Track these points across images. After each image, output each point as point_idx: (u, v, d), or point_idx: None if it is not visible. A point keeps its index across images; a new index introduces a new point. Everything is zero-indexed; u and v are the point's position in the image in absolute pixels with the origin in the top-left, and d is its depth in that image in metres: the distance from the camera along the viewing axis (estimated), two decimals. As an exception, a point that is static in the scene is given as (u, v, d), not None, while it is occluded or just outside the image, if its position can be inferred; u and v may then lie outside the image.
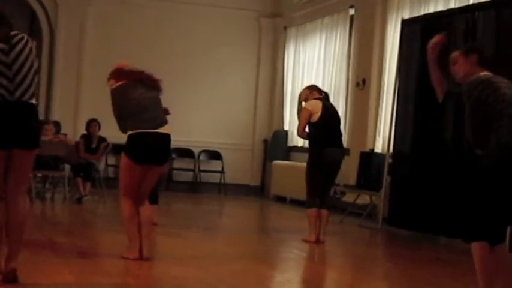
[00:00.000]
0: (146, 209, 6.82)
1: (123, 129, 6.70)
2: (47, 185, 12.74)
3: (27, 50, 5.14)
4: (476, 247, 5.12)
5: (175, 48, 15.46)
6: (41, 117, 14.42)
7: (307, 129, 8.76)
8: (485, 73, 5.31)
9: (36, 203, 11.52)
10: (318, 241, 8.68)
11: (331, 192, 13.03)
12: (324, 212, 8.73)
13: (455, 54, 5.49)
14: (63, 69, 15.15)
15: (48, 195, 12.43)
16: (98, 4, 15.27)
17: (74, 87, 14.93)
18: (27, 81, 5.07)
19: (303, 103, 8.93)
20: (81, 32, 15.24)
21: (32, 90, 5.11)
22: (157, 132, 6.64)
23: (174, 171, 15.67)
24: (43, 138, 11.71)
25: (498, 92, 5.16)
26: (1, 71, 4.97)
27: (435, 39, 5.53)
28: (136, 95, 6.65)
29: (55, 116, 14.21)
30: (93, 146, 12.47)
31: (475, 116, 5.19)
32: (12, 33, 5.15)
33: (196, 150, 15.84)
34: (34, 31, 15.80)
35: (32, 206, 11.15)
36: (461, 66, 5.42)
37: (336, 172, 9.15)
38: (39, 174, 12.18)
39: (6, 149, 5.04)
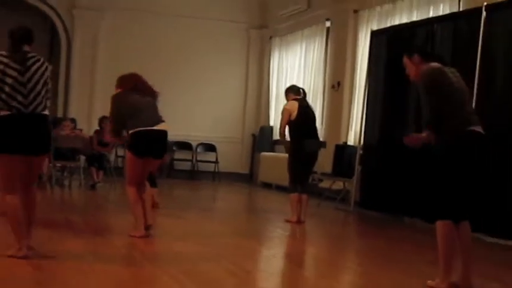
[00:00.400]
0: (145, 190, 6.89)
1: (115, 131, 6.85)
2: (65, 174, 12.70)
3: (41, 70, 5.23)
4: (439, 225, 4.98)
5: (177, 55, 15.48)
6: (60, 115, 14.37)
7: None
8: (434, 63, 5.15)
9: (56, 189, 11.59)
10: (299, 221, 8.62)
11: (310, 180, 13.07)
12: (304, 196, 8.71)
13: (404, 60, 5.40)
14: (79, 74, 15.18)
15: (66, 182, 12.42)
16: (109, 18, 15.23)
17: (88, 89, 14.93)
18: (40, 97, 5.18)
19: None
20: (94, 42, 15.25)
21: (44, 103, 5.23)
22: (154, 129, 6.63)
23: (175, 161, 15.66)
24: (61, 132, 11.71)
25: (448, 81, 5.03)
26: (17, 88, 5.06)
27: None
28: (131, 100, 6.65)
29: (72, 113, 14.18)
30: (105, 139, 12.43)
31: (431, 100, 4.99)
32: (29, 55, 5.23)
33: (194, 143, 15.85)
34: (54, 41, 15.79)
35: (52, 191, 11.20)
36: (410, 68, 5.36)
37: (314, 161, 9.13)
38: (59, 164, 12.12)
39: (22, 155, 5.15)
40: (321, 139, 12.62)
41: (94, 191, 11.45)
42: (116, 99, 6.79)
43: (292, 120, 8.64)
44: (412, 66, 5.31)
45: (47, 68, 5.32)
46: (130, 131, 6.62)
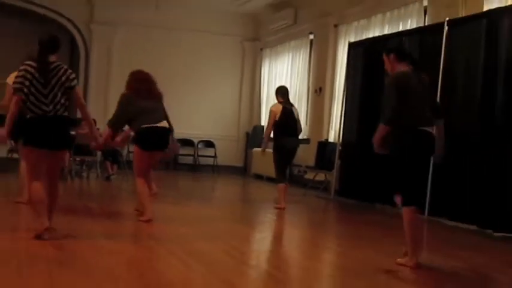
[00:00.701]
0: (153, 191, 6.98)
1: (113, 124, 6.74)
2: (83, 167, 12.64)
3: (61, 81, 5.29)
4: (405, 211, 5.03)
5: (181, 64, 15.42)
6: (79, 116, 14.33)
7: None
8: (403, 69, 5.22)
9: (75, 180, 11.55)
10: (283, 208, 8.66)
11: (296, 172, 13.11)
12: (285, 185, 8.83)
13: (383, 56, 5.43)
14: (96, 81, 15.17)
15: (84, 174, 12.40)
16: (121, 33, 15.23)
17: (104, 93, 14.83)
18: (59, 104, 5.27)
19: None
20: (109, 53, 15.25)
21: (63, 108, 5.32)
22: (157, 126, 6.62)
23: (179, 157, 15.58)
24: (81, 131, 11.63)
25: (409, 87, 5.07)
26: (41, 100, 5.21)
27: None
28: (137, 105, 6.59)
29: (91, 115, 14.02)
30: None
31: (392, 100, 5.05)
32: (52, 66, 5.31)
33: (195, 140, 15.80)
34: (74, 52, 15.77)
35: (72, 182, 11.19)
36: (387, 65, 5.39)
37: (293, 156, 9.09)
38: (78, 159, 12.10)
39: (45, 149, 5.26)
40: (305, 137, 12.79)
41: (109, 182, 11.43)
42: (123, 100, 6.75)
43: (277, 120, 8.66)
44: (389, 64, 5.35)
45: (68, 77, 5.37)
46: (136, 129, 6.63)
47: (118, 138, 7.25)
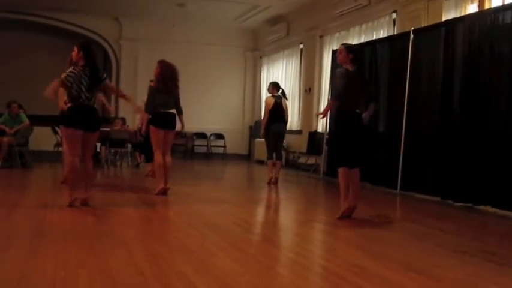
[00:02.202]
0: (169, 158, 7.18)
1: (147, 108, 7.18)
2: (117, 157, 12.66)
3: (97, 83, 5.76)
4: (340, 171, 5.64)
5: (194, 71, 15.40)
6: (112, 115, 14.36)
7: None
8: (348, 68, 5.63)
9: (111, 168, 11.56)
10: (270, 182, 9.03)
11: (291, 157, 13.10)
12: (278, 162, 9.13)
13: (341, 47, 5.81)
14: (125, 86, 15.03)
15: (117, 163, 12.40)
16: (145, 47, 15.25)
17: (132, 96, 14.85)
18: (93, 100, 5.74)
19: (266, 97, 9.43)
20: (135, 64, 15.29)
21: (95, 102, 5.79)
22: (167, 112, 7.10)
23: (195, 147, 15.64)
24: (114, 127, 11.67)
25: (347, 81, 5.53)
26: (83, 94, 5.64)
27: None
28: (157, 98, 7.09)
29: (121, 114, 14.10)
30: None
31: (336, 89, 5.84)
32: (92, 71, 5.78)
33: (208, 133, 15.81)
34: (106, 64, 15.77)
35: (108, 169, 11.21)
36: (343, 57, 5.69)
37: (282, 138, 9.32)
38: (112, 150, 12.12)
39: (82, 130, 5.65)
40: (298, 128, 12.78)
41: (137, 169, 11.44)
42: (151, 91, 7.23)
43: (269, 110, 8.98)
44: (344, 58, 5.66)
45: (103, 80, 5.84)
46: (153, 112, 7.10)
47: (144, 127, 7.47)
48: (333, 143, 5.78)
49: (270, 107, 8.97)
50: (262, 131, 9.25)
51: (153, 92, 7.17)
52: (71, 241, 4.14)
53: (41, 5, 13.68)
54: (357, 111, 5.64)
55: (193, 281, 3.15)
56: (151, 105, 7.12)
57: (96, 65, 5.84)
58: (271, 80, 15.61)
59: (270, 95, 9.14)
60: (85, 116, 5.67)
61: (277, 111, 9.01)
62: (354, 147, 5.65)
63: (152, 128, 7.09)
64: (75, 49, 5.78)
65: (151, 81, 7.64)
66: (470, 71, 7.14)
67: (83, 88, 5.60)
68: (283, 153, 10.90)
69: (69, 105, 5.64)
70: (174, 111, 7.18)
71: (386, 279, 3.36)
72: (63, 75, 5.64)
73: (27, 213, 5.33)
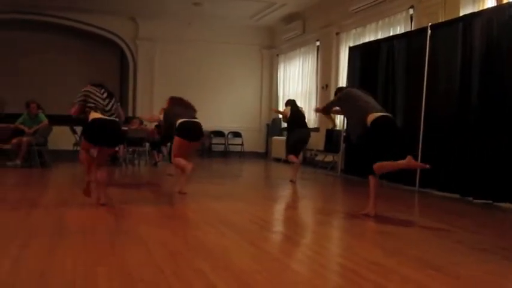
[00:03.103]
0: (190, 164, 7.01)
1: (165, 131, 7.51)
2: (135, 155, 12.77)
3: (110, 99, 5.96)
4: (371, 178, 5.73)
5: (211, 70, 15.57)
6: (130, 114, 14.48)
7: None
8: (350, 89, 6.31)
9: (129, 166, 11.64)
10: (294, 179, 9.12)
11: (308, 155, 13.08)
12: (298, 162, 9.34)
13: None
14: (142, 87, 15.31)
15: (136, 161, 12.52)
16: (161, 46, 15.35)
17: (149, 96, 15.09)
18: (110, 112, 5.84)
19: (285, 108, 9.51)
20: (152, 63, 15.37)
21: (115, 115, 5.90)
22: (191, 120, 6.99)
23: (213, 145, 15.69)
24: (131, 127, 11.77)
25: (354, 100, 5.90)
26: (105, 109, 5.81)
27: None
28: (175, 110, 7.12)
29: (138, 114, 14.28)
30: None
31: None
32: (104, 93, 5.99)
33: (225, 131, 15.87)
34: (123, 63, 15.89)
35: (126, 167, 11.30)
36: None
37: (305, 144, 9.42)
38: (131, 149, 12.19)
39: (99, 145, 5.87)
40: (316, 126, 12.74)
41: (155, 168, 11.50)
42: (166, 112, 7.24)
43: (288, 117, 9.15)
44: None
45: (115, 101, 6.06)
46: (177, 123, 6.96)
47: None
48: (367, 149, 5.68)
49: (288, 114, 9.12)
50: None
51: (169, 109, 7.17)
52: (90, 239, 4.18)
53: (58, 5, 13.80)
54: (386, 114, 5.61)
55: (211, 278, 3.16)
56: (173, 118, 7.01)
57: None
58: (287, 78, 15.91)
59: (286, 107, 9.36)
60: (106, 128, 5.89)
61: (298, 115, 9.16)
62: (388, 154, 5.59)
63: (178, 138, 6.95)
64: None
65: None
66: (489, 66, 7.07)
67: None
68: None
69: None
70: (198, 120, 7.10)
71: (405, 277, 3.34)
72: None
73: (47, 211, 5.40)
